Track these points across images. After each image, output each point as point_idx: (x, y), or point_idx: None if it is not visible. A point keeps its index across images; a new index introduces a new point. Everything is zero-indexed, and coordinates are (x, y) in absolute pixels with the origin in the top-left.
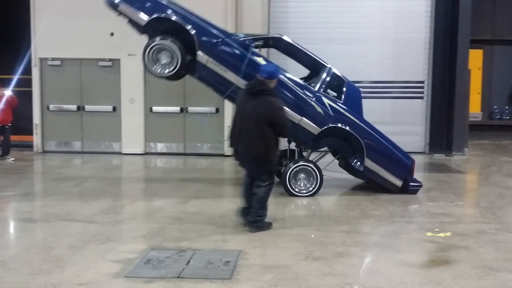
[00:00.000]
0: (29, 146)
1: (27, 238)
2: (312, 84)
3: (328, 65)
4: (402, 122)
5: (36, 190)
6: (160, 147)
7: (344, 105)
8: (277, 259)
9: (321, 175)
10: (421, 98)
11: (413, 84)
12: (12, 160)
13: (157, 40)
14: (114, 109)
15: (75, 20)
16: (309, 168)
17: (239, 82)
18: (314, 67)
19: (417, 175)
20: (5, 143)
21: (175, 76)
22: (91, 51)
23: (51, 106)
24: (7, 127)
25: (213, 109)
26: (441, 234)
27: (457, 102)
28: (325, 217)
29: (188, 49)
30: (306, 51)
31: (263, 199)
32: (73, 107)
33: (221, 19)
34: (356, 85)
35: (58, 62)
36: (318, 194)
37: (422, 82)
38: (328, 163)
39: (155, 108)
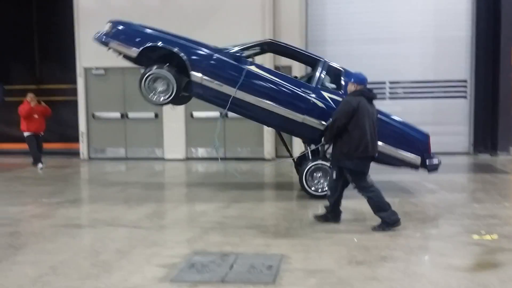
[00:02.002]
0: (76, 153)
1: (75, 243)
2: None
3: (322, 59)
4: (444, 122)
5: (83, 196)
6: (201, 152)
7: (344, 95)
8: (320, 263)
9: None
10: (464, 97)
11: (456, 83)
12: (41, 169)
13: (153, 69)
14: (156, 115)
15: None
16: (326, 167)
17: (236, 94)
18: (312, 63)
19: (462, 176)
20: (39, 150)
21: (178, 101)
22: None
23: (96, 114)
24: (40, 135)
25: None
26: (488, 237)
27: (501, 100)
28: (367, 220)
29: (184, 71)
30: (298, 50)
31: None
32: (117, 114)
33: (259, 24)
34: (393, 83)
35: (102, 71)
36: (355, 197)
37: (465, 81)
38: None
39: (196, 114)
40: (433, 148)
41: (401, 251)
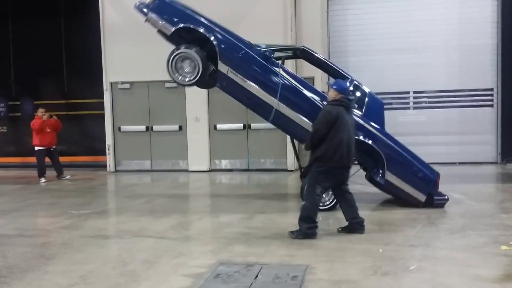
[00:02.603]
0: (103, 166)
1: (104, 253)
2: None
3: (350, 77)
4: (471, 132)
5: (110, 207)
6: (225, 163)
7: (364, 117)
8: (344, 274)
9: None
10: (491, 106)
11: (482, 92)
12: (68, 178)
13: (182, 48)
14: (180, 128)
15: (142, 45)
16: None
17: (260, 93)
18: (340, 78)
19: (489, 186)
20: (57, 164)
21: (204, 85)
22: (157, 74)
23: (122, 128)
24: (52, 149)
25: None
26: None
27: None
28: (392, 231)
29: (213, 58)
30: (328, 62)
31: None
32: (142, 127)
33: (281, 34)
34: (417, 93)
35: (127, 86)
36: (384, 207)
37: (491, 89)
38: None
39: (219, 126)
40: (461, 158)
41: (427, 262)
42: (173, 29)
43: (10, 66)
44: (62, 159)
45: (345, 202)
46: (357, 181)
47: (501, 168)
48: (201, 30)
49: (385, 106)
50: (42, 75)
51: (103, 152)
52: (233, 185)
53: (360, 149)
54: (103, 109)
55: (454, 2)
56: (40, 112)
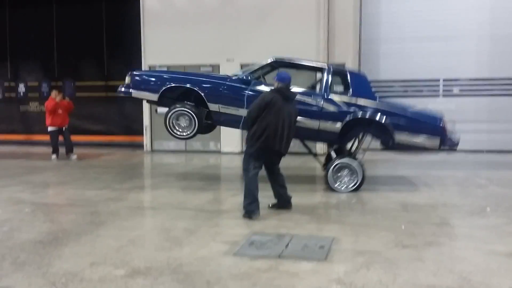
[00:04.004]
0: (140, 145)
1: (148, 222)
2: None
3: (325, 66)
4: (500, 120)
5: (149, 183)
6: None
7: (354, 95)
8: (368, 245)
9: (363, 172)
10: None
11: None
12: (76, 158)
13: (174, 108)
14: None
15: (179, 31)
16: (352, 166)
17: None
18: (319, 71)
19: None
20: (67, 143)
21: (206, 129)
22: (194, 57)
23: (159, 110)
24: (64, 129)
25: None
26: None
27: None
28: (415, 211)
29: (202, 103)
30: (302, 63)
31: None
32: None
33: (314, 22)
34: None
35: (165, 69)
36: (409, 188)
37: None
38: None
39: None
40: (489, 146)
41: (446, 238)
42: (157, 96)
43: (53, 49)
44: (101, 138)
45: (276, 182)
46: (384, 165)
47: None
48: (182, 84)
49: (414, 93)
50: (83, 57)
51: (140, 132)
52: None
53: (363, 125)
54: None
55: None
56: (54, 93)
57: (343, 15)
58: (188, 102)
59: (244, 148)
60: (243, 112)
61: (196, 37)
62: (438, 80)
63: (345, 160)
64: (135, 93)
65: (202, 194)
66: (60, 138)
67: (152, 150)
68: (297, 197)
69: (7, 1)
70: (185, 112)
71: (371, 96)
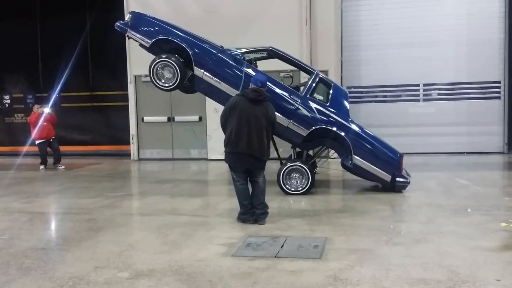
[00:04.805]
0: (127, 154)
1: (145, 227)
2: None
3: (315, 71)
4: (479, 123)
5: (141, 191)
6: None
7: (330, 107)
8: (360, 244)
9: (313, 176)
10: (498, 98)
11: (489, 84)
12: (63, 168)
13: (162, 57)
14: (200, 119)
15: None
16: (302, 169)
17: (233, 93)
18: (307, 72)
19: (495, 173)
20: (56, 153)
21: (186, 90)
22: None
23: (145, 118)
24: (51, 140)
25: None
26: None
27: None
28: (402, 211)
29: (190, 65)
30: (293, 60)
31: (265, 190)
32: (164, 118)
33: (296, 31)
34: (427, 85)
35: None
36: (392, 190)
37: (499, 82)
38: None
39: None
40: (469, 148)
41: (433, 236)
42: (151, 42)
43: (38, 60)
44: (87, 148)
45: (251, 189)
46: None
47: (507, 158)
48: (176, 40)
49: (395, 98)
50: (68, 68)
51: (126, 142)
52: None
53: (327, 137)
54: (126, 100)
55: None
56: (36, 107)
57: (324, 23)
58: (177, 56)
59: None
60: (224, 86)
61: None
62: (418, 85)
63: (297, 164)
64: (130, 32)
65: (194, 200)
66: (49, 149)
67: (139, 159)
68: (287, 200)
69: None
70: (170, 64)
71: (345, 113)
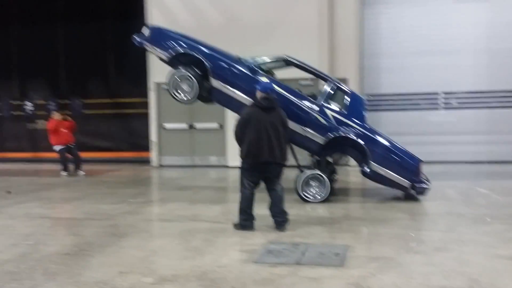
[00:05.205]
0: (147, 161)
1: (167, 233)
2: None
3: (331, 78)
4: (499, 132)
5: (162, 197)
6: None
7: (347, 115)
8: (381, 252)
9: (332, 184)
10: None
11: (509, 93)
12: (83, 174)
13: (179, 70)
14: (221, 126)
15: None
16: (321, 177)
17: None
18: (324, 80)
19: None
20: (76, 160)
21: (206, 100)
22: None
23: (166, 125)
24: (72, 146)
25: None
26: None
27: None
28: (422, 219)
29: (207, 76)
30: (309, 68)
31: (284, 198)
32: (184, 125)
33: (316, 38)
34: (447, 94)
35: None
36: (413, 198)
37: None
38: None
39: None
40: (489, 157)
41: (454, 244)
42: (170, 56)
43: (60, 67)
44: (109, 154)
45: (270, 197)
46: None
47: None
48: (193, 53)
49: (415, 107)
50: (90, 75)
51: (146, 148)
52: None
53: (345, 144)
54: (147, 108)
55: (482, 7)
56: (55, 114)
57: (344, 31)
58: (195, 69)
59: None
60: (241, 97)
61: None
62: (438, 94)
63: (316, 172)
64: (148, 46)
65: (215, 206)
66: (68, 155)
67: (160, 165)
68: (307, 207)
69: (15, 20)
70: (189, 77)
71: (362, 120)
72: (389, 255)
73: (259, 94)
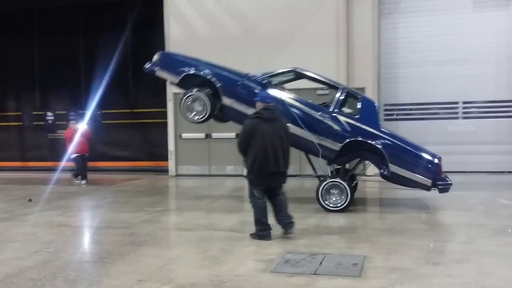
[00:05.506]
0: (165, 170)
1: (185, 242)
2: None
3: (342, 85)
4: None
5: (180, 206)
6: None
7: (360, 119)
8: (400, 263)
9: (351, 192)
10: None
11: None
12: (83, 184)
13: (191, 91)
14: (237, 135)
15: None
16: (341, 185)
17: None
18: (334, 88)
19: None
20: (84, 169)
21: (221, 119)
22: None
23: (183, 135)
24: (85, 156)
25: None
26: None
27: None
28: (442, 230)
29: (218, 95)
30: (320, 78)
31: (287, 203)
32: (202, 135)
33: (333, 48)
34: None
35: None
36: (433, 209)
37: None
38: None
39: None
40: (510, 167)
41: (474, 255)
42: (179, 79)
43: (80, 78)
44: (127, 163)
45: (274, 205)
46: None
47: None
48: (201, 73)
49: (434, 116)
50: (110, 86)
51: (164, 158)
52: (288, 189)
53: (361, 149)
54: (165, 117)
55: (502, 16)
56: (72, 123)
57: (362, 40)
58: (206, 89)
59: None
60: (252, 112)
61: (220, 64)
62: (458, 103)
63: (336, 180)
64: (159, 71)
65: (232, 216)
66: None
67: (177, 175)
68: (325, 217)
69: (36, 32)
70: (200, 98)
71: (376, 123)
72: (408, 266)
73: (259, 105)
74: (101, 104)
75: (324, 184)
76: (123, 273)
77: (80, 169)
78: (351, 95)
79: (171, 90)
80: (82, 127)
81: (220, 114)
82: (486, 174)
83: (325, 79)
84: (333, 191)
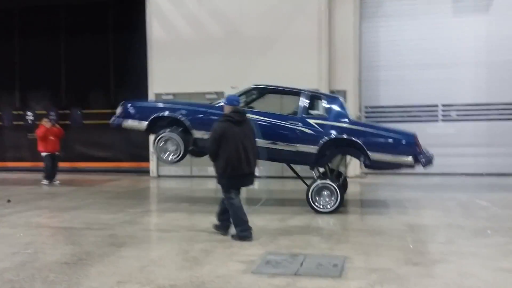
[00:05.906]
0: (146, 171)
1: (166, 243)
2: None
3: (302, 90)
4: (498, 144)
5: (161, 207)
6: (257, 171)
7: (329, 117)
8: (379, 263)
9: (342, 194)
10: None
11: (509, 106)
12: (58, 183)
13: (161, 133)
14: None
15: (185, 60)
16: (331, 186)
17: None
18: (297, 95)
19: None
20: (54, 168)
21: (196, 154)
22: (199, 85)
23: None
24: (56, 155)
25: None
26: None
27: None
28: (421, 231)
29: (188, 131)
30: (281, 88)
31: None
32: None
33: (315, 52)
34: (446, 106)
35: (170, 97)
36: (413, 210)
37: None
38: None
39: None
40: (488, 169)
41: (453, 256)
42: (145, 125)
43: (61, 78)
44: (108, 164)
45: (226, 206)
46: (386, 188)
47: None
48: (166, 114)
49: (414, 119)
50: (91, 86)
51: (145, 159)
52: (274, 190)
53: (341, 145)
54: None
55: (481, 21)
56: (44, 121)
57: (343, 44)
58: (177, 128)
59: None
60: None
61: (202, 66)
62: (437, 106)
63: (327, 181)
64: (125, 123)
65: (212, 217)
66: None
67: (159, 176)
68: (306, 218)
69: (17, 32)
70: (171, 137)
71: (345, 116)
72: (387, 266)
73: (227, 109)
74: (82, 104)
75: (313, 186)
76: (102, 274)
77: (49, 169)
78: (316, 97)
79: (153, 91)
80: (54, 125)
81: (196, 148)
82: (466, 176)
83: (288, 88)
84: (324, 192)
